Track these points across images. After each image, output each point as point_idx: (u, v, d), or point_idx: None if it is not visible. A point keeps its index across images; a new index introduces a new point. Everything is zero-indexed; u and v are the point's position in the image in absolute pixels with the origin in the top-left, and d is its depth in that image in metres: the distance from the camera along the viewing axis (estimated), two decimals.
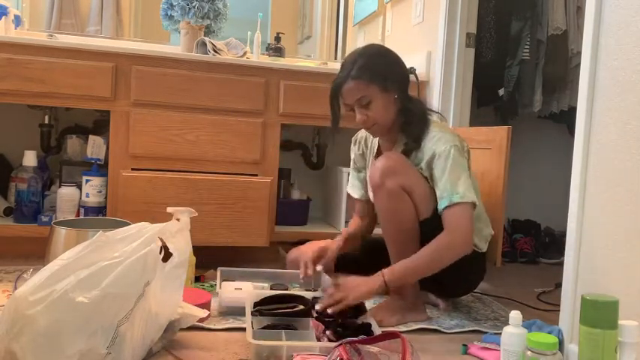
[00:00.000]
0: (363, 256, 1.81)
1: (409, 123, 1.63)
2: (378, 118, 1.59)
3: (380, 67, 1.57)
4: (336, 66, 2.74)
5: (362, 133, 1.86)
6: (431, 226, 1.55)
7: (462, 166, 1.56)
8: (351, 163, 1.90)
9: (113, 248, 1.16)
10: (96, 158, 2.16)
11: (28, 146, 2.23)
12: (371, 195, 1.71)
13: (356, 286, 1.47)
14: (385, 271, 1.49)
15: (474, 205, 1.54)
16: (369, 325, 1.40)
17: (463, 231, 1.51)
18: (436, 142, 1.57)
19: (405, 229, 1.57)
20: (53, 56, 2.01)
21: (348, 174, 2.32)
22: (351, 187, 1.90)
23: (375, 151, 1.79)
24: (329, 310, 1.41)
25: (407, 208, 1.56)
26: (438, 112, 1.79)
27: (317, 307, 1.45)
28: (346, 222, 2.31)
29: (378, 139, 1.78)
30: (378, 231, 2.28)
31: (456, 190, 1.52)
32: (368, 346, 1.17)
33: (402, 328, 1.57)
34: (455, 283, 1.71)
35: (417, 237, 1.57)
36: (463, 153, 1.59)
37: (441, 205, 1.53)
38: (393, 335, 1.19)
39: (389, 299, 1.67)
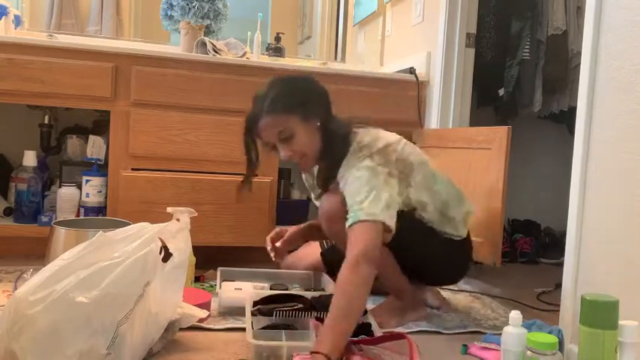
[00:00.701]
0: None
1: (330, 146, 1.47)
2: (304, 150, 1.47)
3: (295, 95, 1.45)
4: (336, 66, 2.76)
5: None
6: (403, 239, 1.45)
7: (373, 180, 1.38)
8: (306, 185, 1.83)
9: (113, 248, 1.16)
10: (96, 158, 2.16)
11: (28, 146, 2.23)
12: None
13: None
14: (321, 351, 1.15)
15: (378, 224, 1.34)
16: (369, 324, 1.40)
17: (365, 252, 1.28)
18: (350, 159, 1.43)
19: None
20: (53, 56, 2.01)
21: None
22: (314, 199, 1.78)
23: (317, 176, 1.62)
24: None
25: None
26: (360, 124, 1.55)
27: None
28: None
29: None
30: None
31: (360, 206, 1.34)
32: (371, 346, 1.18)
33: (403, 329, 1.57)
34: (439, 273, 1.69)
35: (388, 259, 1.54)
36: (376, 170, 1.41)
37: (347, 224, 1.35)
38: (399, 336, 1.19)
39: (387, 300, 1.67)
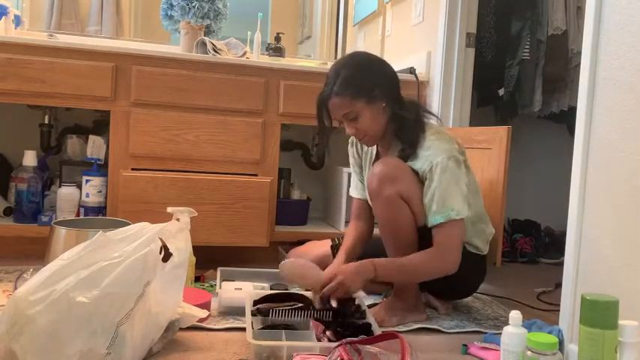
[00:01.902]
0: (364, 258, 1.80)
1: (402, 129, 1.60)
2: (367, 130, 1.57)
3: (363, 80, 1.53)
4: None
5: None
6: (429, 231, 1.54)
7: (457, 178, 1.53)
8: (351, 163, 1.87)
9: (113, 248, 1.16)
10: (96, 158, 2.16)
11: (28, 146, 2.23)
12: (369, 199, 1.69)
13: (349, 273, 1.49)
14: (377, 264, 1.50)
15: (463, 221, 1.54)
16: (369, 325, 1.40)
17: (455, 252, 1.52)
18: (432, 152, 1.53)
19: (402, 236, 1.56)
20: (53, 56, 2.01)
21: (349, 174, 2.33)
22: (353, 188, 1.86)
23: (374, 154, 1.76)
24: (332, 302, 1.44)
25: (405, 216, 1.55)
26: (434, 115, 1.72)
27: (317, 305, 1.46)
28: (346, 222, 2.31)
29: None
30: (377, 231, 2.28)
31: (451, 205, 1.50)
32: (368, 346, 1.18)
33: (402, 328, 1.57)
34: (455, 286, 1.71)
35: (415, 243, 1.57)
36: (460, 163, 1.55)
37: (434, 220, 1.51)
38: (392, 336, 1.20)
39: (389, 300, 1.67)
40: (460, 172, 1.55)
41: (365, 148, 1.78)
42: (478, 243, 1.68)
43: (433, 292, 1.78)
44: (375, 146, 1.73)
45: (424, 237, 1.55)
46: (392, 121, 1.60)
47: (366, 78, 1.54)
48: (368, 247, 1.75)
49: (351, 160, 1.85)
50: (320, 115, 1.59)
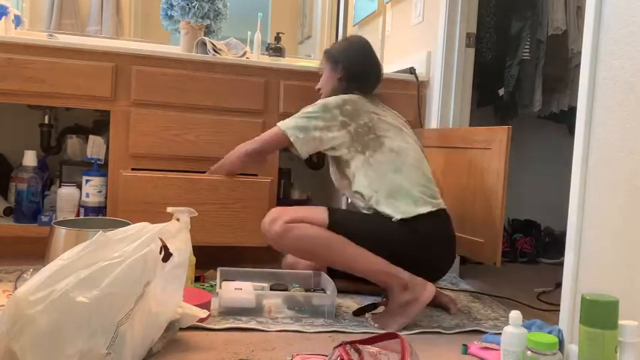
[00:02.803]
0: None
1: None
2: (322, 86, 1.95)
3: (339, 52, 1.91)
4: None
5: None
6: (337, 225, 1.62)
7: (307, 111, 1.78)
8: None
9: (113, 248, 1.16)
10: (96, 158, 2.16)
11: (28, 146, 2.23)
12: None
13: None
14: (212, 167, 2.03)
15: (280, 134, 1.78)
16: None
17: (252, 143, 1.88)
18: None
19: (321, 244, 1.61)
20: (53, 56, 2.01)
21: None
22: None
23: None
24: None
25: (305, 229, 1.61)
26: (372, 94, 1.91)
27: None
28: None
29: None
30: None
31: (287, 121, 1.79)
32: (368, 346, 1.18)
33: (403, 332, 1.57)
34: (427, 265, 1.67)
35: (338, 237, 1.60)
36: (329, 109, 1.75)
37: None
38: (392, 336, 1.20)
39: (388, 303, 1.65)
40: (317, 108, 1.76)
41: None
42: (388, 211, 1.66)
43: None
44: None
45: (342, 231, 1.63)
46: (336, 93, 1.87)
47: (340, 52, 1.91)
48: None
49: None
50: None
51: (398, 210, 1.65)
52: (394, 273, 1.60)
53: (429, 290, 1.60)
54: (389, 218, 1.65)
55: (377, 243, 1.61)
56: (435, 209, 1.67)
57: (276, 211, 1.69)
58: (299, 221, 1.63)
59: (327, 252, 1.61)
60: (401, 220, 1.64)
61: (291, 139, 1.76)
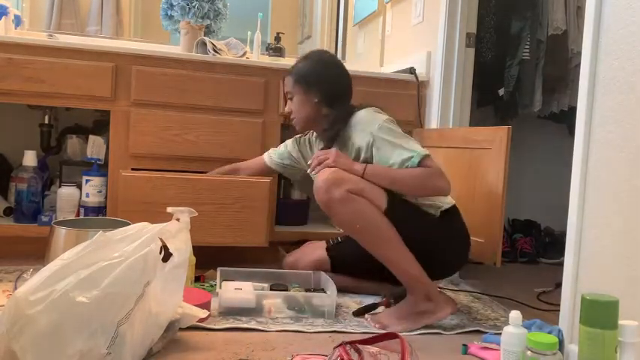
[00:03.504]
0: (357, 261, 1.77)
1: (327, 127, 1.78)
2: (295, 112, 1.81)
3: (308, 73, 1.78)
4: None
5: (310, 135, 2.02)
6: (393, 212, 1.58)
7: (400, 132, 1.67)
8: (291, 142, 2.07)
9: (113, 248, 1.16)
10: (96, 158, 2.15)
11: (28, 146, 2.23)
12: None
13: (339, 156, 1.65)
14: (369, 166, 1.62)
15: (428, 155, 1.62)
16: None
17: (443, 175, 1.60)
18: (365, 122, 1.68)
19: (375, 228, 1.57)
20: (53, 56, 2.01)
21: None
22: (268, 154, 2.09)
23: (320, 148, 1.88)
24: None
25: (365, 206, 1.57)
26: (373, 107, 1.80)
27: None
28: None
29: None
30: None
31: (415, 147, 1.61)
32: (368, 346, 1.18)
33: (407, 334, 1.56)
34: (442, 263, 1.70)
35: (391, 227, 1.57)
36: (394, 122, 1.69)
37: (413, 163, 1.59)
38: (392, 336, 1.19)
39: (400, 304, 1.63)
40: (398, 128, 1.68)
41: (312, 142, 1.99)
42: (430, 210, 1.67)
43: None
44: (321, 143, 1.90)
45: (392, 219, 1.58)
46: (324, 117, 1.79)
47: (310, 72, 1.79)
48: (362, 252, 1.66)
49: (292, 141, 2.07)
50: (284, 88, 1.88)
51: (441, 200, 1.68)
52: (426, 282, 1.60)
53: (448, 309, 1.62)
54: (437, 208, 1.67)
55: (420, 237, 1.61)
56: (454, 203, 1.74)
57: (337, 174, 1.59)
58: (359, 194, 1.57)
59: (373, 238, 1.58)
60: (443, 211, 1.67)
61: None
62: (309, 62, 1.81)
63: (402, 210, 1.61)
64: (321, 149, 1.82)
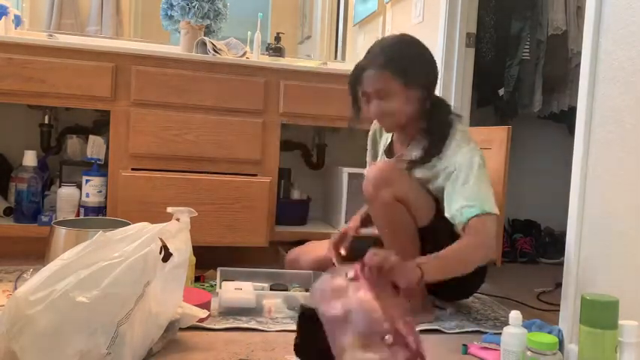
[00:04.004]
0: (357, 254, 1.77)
1: (432, 128, 1.56)
2: (393, 113, 1.53)
3: (409, 63, 1.50)
4: (336, 66, 2.76)
5: (377, 124, 1.80)
6: (431, 232, 1.53)
7: (487, 176, 1.50)
8: (370, 141, 1.87)
9: (113, 248, 1.16)
10: (96, 158, 2.15)
11: (28, 146, 2.23)
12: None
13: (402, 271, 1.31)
14: (423, 266, 1.34)
15: (497, 217, 1.48)
16: None
17: (491, 237, 1.44)
18: (459, 152, 1.51)
19: (403, 238, 1.54)
20: (53, 56, 2.01)
21: (349, 174, 2.35)
22: (370, 157, 1.88)
23: (387, 144, 1.75)
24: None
25: (404, 217, 1.52)
26: (460, 115, 1.66)
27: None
28: (346, 222, 2.32)
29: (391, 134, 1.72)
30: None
31: (487, 200, 1.45)
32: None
33: None
34: (458, 286, 1.70)
35: (417, 244, 1.55)
36: (484, 162, 1.53)
37: (469, 213, 1.43)
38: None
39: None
40: (485, 170, 1.51)
41: (383, 137, 1.78)
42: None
43: (436, 294, 1.76)
44: (390, 137, 1.72)
45: (425, 239, 1.54)
46: (422, 117, 1.57)
47: (412, 62, 1.51)
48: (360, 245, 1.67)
49: (369, 143, 1.88)
50: (353, 86, 1.56)
51: None
52: (421, 288, 1.62)
53: (432, 312, 1.68)
54: None
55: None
56: None
57: (390, 174, 1.49)
58: (404, 201, 1.49)
59: (393, 246, 1.51)
60: None
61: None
62: (402, 52, 1.51)
63: (440, 232, 1.51)
64: (391, 149, 1.69)
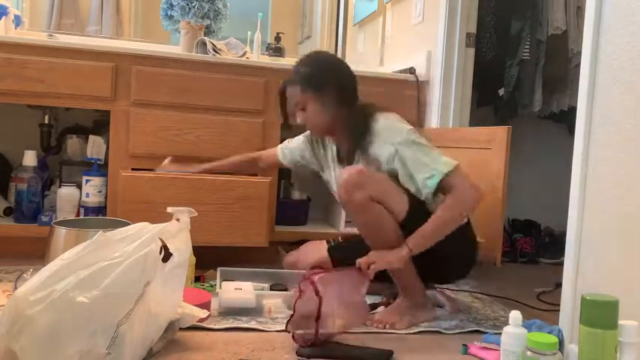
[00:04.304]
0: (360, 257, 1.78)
1: (351, 125, 1.68)
2: (313, 120, 1.70)
3: (315, 76, 1.67)
4: None
5: None
6: (411, 222, 1.54)
7: (425, 144, 1.59)
8: (299, 140, 1.96)
9: (113, 248, 1.16)
10: (96, 158, 2.16)
11: (28, 146, 2.23)
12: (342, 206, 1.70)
13: (384, 255, 1.52)
14: (408, 240, 1.51)
15: (459, 166, 1.55)
16: (391, 353, 1.38)
17: (466, 188, 1.53)
18: (388, 133, 1.60)
19: (387, 237, 1.55)
20: (53, 56, 2.01)
21: None
22: (281, 146, 2.02)
23: (335, 152, 1.81)
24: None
25: (382, 215, 1.54)
26: (379, 106, 1.72)
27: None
28: (346, 222, 2.32)
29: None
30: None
31: (437, 164, 1.54)
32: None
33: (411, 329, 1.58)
34: (450, 267, 1.70)
35: (400, 238, 1.55)
36: (416, 132, 1.61)
37: (432, 184, 1.53)
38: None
39: (398, 301, 1.66)
40: (422, 139, 1.60)
41: (327, 145, 1.86)
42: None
43: (428, 279, 1.73)
44: (335, 145, 1.81)
45: (409, 229, 1.54)
46: (342, 119, 1.69)
47: (318, 75, 1.68)
48: (365, 250, 1.67)
49: (303, 141, 1.94)
50: (281, 99, 1.76)
51: None
52: (419, 286, 1.66)
53: (433, 312, 1.70)
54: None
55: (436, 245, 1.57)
56: None
57: (361, 177, 1.54)
58: (380, 200, 1.53)
59: (380, 246, 1.56)
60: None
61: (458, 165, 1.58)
62: (310, 66, 1.70)
63: (419, 220, 1.55)
64: (340, 156, 1.76)
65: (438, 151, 1.60)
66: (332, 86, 1.67)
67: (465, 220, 1.62)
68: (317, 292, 1.38)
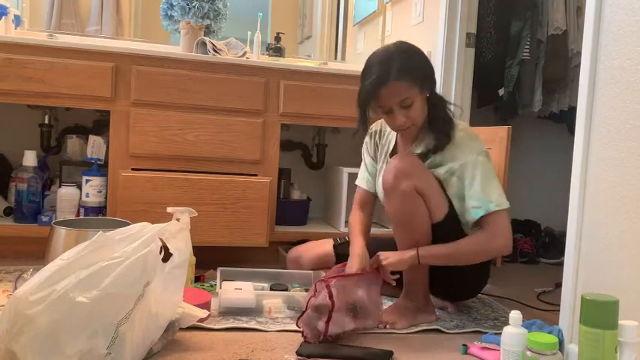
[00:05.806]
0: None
1: (435, 124, 1.60)
2: (416, 119, 1.57)
3: (417, 67, 1.55)
4: (336, 66, 2.76)
5: (376, 126, 1.82)
6: (443, 229, 1.55)
7: (491, 172, 1.56)
8: (363, 154, 1.85)
9: (113, 248, 1.16)
10: (96, 158, 2.16)
11: (28, 146, 2.23)
12: (380, 195, 1.71)
13: (390, 256, 1.55)
14: (421, 249, 1.53)
15: (508, 210, 1.54)
16: (391, 353, 1.38)
17: (504, 234, 1.52)
18: (462, 150, 1.56)
19: (418, 231, 1.55)
20: (53, 56, 2.01)
21: (349, 174, 2.34)
22: (361, 178, 1.85)
23: (391, 148, 1.76)
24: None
25: (421, 210, 1.54)
26: (455, 105, 1.75)
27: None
28: (346, 222, 2.31)
29: (395, 135, 1.74)
30: (382, 231, 2.28)
31: (490, 198, 1.52)
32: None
33: (412, 329, 1.58)
34: (463, 287, 1.72)
35: (429, 240, 1.56)
36: (489, 157, 1.58)
37: (476, 215, 1.53)
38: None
39: (399, 301, 1.67)
40: (490, 165, 1.58)
41: (383, 140, 1.79)
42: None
43: (440, 295, 1.76)
44: (395, 141, 1.74)
45: (438, 235, 1.55)
46: (427, 115, 1.61)
47: (419, 66, 1.56)
48: (375, 249, 1.68)
49: (365, 151, 1.85)
50: (365, 104, 1.56)
51: None
52: (425, 288, 1.65)
53: (435, 314, 1.69)
54: None
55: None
56: None
57: (412, 167, 1.52)
58: (423, 194, 1.52)
59: (404, 240, 1.57)
60: None
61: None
62: (406, 57, 1.53)
63: (448, 232, 1.55)
64: (395, 153, 1.69)
65: (498, 181, 1.57)
66: (430, 83, 1.58)
67: (481, 261, 1.58)
68: (331, 296, 1.40)
